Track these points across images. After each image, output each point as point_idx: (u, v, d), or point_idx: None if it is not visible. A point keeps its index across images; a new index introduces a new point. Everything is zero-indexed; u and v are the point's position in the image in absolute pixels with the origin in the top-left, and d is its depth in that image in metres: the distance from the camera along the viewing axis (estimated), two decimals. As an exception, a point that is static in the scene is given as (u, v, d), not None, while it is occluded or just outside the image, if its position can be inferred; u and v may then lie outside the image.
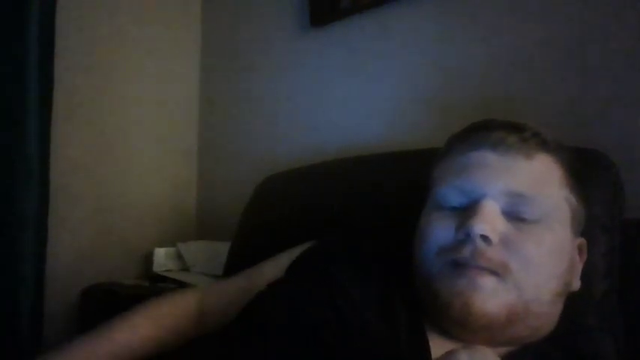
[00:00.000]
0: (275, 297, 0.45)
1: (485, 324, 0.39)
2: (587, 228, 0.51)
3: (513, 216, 0.42)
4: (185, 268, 1.14)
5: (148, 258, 1.19)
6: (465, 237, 0.41)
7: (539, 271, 0.40)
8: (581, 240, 0.47)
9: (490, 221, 0.40)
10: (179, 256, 1.17)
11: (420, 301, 0.44)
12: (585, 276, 0.50)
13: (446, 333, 0.42)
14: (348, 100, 1.04)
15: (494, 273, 0.39)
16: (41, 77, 0.95)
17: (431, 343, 0.40)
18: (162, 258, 1.17)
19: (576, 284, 0.46)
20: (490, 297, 0.39)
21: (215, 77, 1.37)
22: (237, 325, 0.44)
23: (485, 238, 0.40)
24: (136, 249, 1.22)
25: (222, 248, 0.95)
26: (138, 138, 1.24)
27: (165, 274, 1.12)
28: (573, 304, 0.49)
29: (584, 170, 0.55)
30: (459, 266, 0.40)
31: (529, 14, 0.80)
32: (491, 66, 0.83)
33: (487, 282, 0.39)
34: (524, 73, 0.79)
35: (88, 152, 1.14)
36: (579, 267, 0.46)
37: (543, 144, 0.45)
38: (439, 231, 0.43)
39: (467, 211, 0.42)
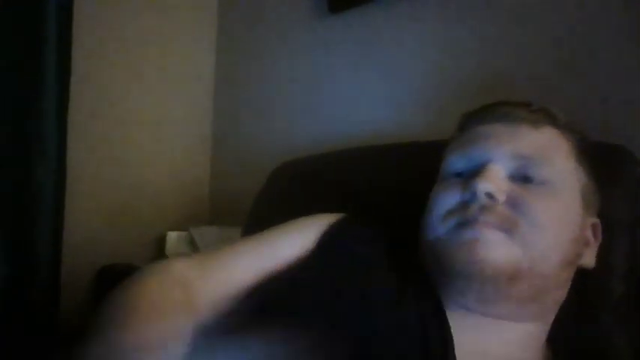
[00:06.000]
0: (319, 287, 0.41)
1: (490, 275, 0.38)
2: (609, 226, 0.50)
3: (520, 178, 0.42)
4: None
5: (161, 241, 1.21)
6: (470, 197, 0.41)
7: (547, 232, 0.40)
8: (595, 220, 0.47)
9: (495, 180, 0.40)
10: (191, 241, 1.18)
11: (432, 277, 0.43)
12: (604, 274, 0.50)
13: (463, 306, 0.41)
14: (364, 87, 1.03)
15: (501, 229, 0.39)
16: (59, 63, 0.96)
17: (449, 318, 0.40)
18: (174, 242, 1.18)
19: (590, 261, 0.45)
20: (496, 248, 0.39)
21: (231, 63, 1.36)
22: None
23: (490, 195, 0.40)
24: (150, 232, 1.23)
25: (235, 234, 0.95)
26: (153, 122, 1.25)
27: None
28: (591, 301, 0.49)
29: (607, 166, 0.54)
30: (466, 223, 0.40)
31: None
32: (519, 54, 0.81)
33: (493, 234, 0.39)
34: (550, 61, 0.77)
35: (105, 136, 1.16)
36: (594, 247, 0.46)
37: (551, 118, 0.45)
38: (445, 196, 0.44)
39: (472, 175, 0.42)
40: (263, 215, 0.87)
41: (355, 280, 0.41)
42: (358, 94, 1.04)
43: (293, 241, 0.48)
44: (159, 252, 1.22)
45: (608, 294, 0.50)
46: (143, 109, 1.23)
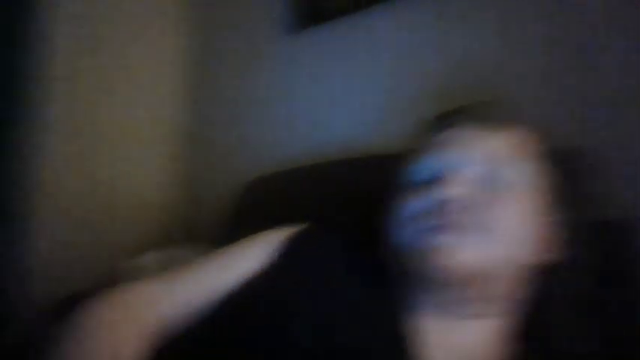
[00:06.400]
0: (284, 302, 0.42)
1: (462, 276, 0.39)
2: (569, 226, 0.52)
3: (485, 182, 0.43)
4: (172, 273, 1.12)
5: (133, 264, 1.17)
6: (437, 201, 0.41)
7: (512, 233, 0.41)
8: (557, 218, 0.48)
9: (462, 185, 0.41)
10: (166, 262, 1.15)
11: (398, 280, 0.44)
12: (566, 272, 0.51)
13: (429, 307, 0.42)
14: (333, 102, 1.05)
15: (467, 232, 0.40)
16: (30, 80, 0.94)
17: (421, 320, 0.41)
18: (148, 264, 1.15)
19: (552, 258, 0.46)
20: (466, 249, 0.39)
21: (201, 79, 1.36)
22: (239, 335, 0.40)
23: (457, 200, 0.40)
24: (122, 254, 1.20)
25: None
26: (123, 140, 1.23)
27: (151, 279, 1.10)
28: (553, 299, 0.50)
29: (566, 168, 0.57)
30: (434, 229, 0.40)
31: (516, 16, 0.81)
32: (474, 69, 0.84)
33: (459, 239, 0.40)
34: (510, 75, 0.81)
35: (74, 154, 1.13)
36: (556, 244, 0.47)
37: (514, 120, 0.47)
38: (411, 202, 0.44)
39: (439, 181, 0.42)
40: (237, 231, 0.86)
41: (321, 287, 0.41)
42: (328, 108, 1.06)
43: (255, 254, 0.47)
44: (130, 276, 1.19)
45: (570, 292, 0.51)
46: (112, 127, 1.22)
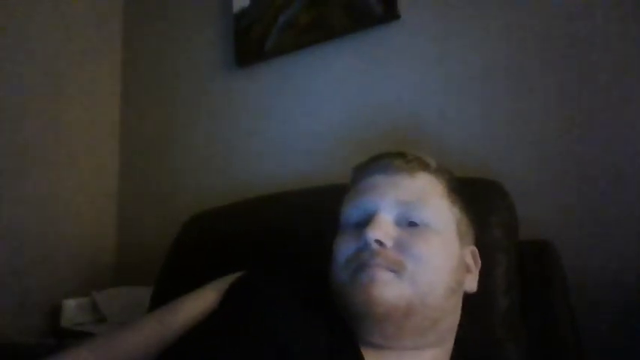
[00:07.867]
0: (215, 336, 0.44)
1: (385, 312, 0.43)
2: (490, 250, 0.58)
3: (404, 222, 0.48)
4: (101, 320, 1.04)
5: (56, 311, 1.08)
6: (363, 245, 0.46)
7: (430, 267, 0.46)
8: (472, 248, 0.54)
9: (383, 228, 0.46)
10: (94, 307, 1.07)
11: (343, 317, 0.47)
12: (489, 292, 0.57)
13: (371, 344, 0.45)
14: (273, 136, 1.07)
15: (391, 270, 0.45)
16: None
17: (364, 355, 0.44)
18: (72, 310, 1.07)
19: (472, 286, 0.52)
20: (387, 287, 0.44)
21: (137, 116, 1.33)
22: None
23: (379, 242, 0.46)
24: (42, 300, 1.10)
25: (145, 293, 0.90)
26: (53, 178, 1.15)
27: (76, 328, 1.02)
28: (482, 317, 0.55)
29: (484, 199, 0.64)
30: (362, 268, 0.46)
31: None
32: (401, 103, 0.92)
33: (384, 275, 0.44)
34: (431, 111, 0.89)
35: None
36: (475, 272, 0.53)
37: (424, 165, 0.53)
38: (344, 245, 0.49)
39: (364, 225, 0.48)
40: (176, 270, 0.84)
41: (268, 328, 0.43)
42: (268, 143, 1.08)
43: (195, 304, 0.51)
44: (53, 324, 1.08)
45: (496, 309, 0.57)
46: (43, 164, 1.13)
